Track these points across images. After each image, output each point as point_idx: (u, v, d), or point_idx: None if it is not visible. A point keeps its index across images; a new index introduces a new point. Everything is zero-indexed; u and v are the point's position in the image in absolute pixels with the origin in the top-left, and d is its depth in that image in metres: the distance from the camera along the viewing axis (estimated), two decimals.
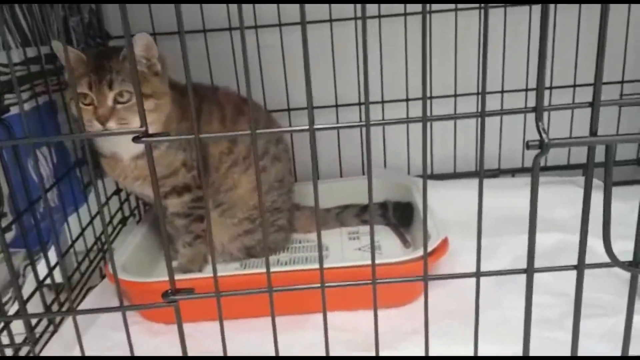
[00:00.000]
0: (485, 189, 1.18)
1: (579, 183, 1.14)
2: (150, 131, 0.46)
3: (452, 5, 1.12)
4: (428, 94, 1.18)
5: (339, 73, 1.17)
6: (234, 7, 1.11)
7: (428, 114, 0.46)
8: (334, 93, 1.18)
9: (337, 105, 1.18)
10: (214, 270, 0.51)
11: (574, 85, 1.16)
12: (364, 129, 0.44)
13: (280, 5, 1.10)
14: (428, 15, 1.12)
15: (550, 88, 1.15)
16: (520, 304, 0.79)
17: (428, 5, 1.11)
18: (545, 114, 0.44)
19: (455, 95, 1.17)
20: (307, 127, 0.46)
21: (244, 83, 0.44)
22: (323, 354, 0.73)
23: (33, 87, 0.85)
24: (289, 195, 1.04)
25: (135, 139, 0.46)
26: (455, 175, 1.22)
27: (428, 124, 1.16)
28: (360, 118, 1.18)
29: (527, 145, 0.44)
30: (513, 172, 1.21)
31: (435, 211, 0.98)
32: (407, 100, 1.18)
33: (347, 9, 1.12)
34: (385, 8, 1.12)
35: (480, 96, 0.44)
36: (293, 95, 1.18)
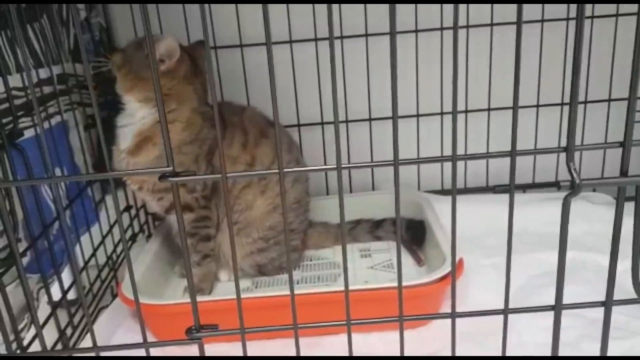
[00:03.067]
0: (498, 204, 1.19)
1: (590, 199, 1.14)
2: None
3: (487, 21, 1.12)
4: (445, 110, 1.18)
5: (349, 88, 1.16)
6: (244, 23, 1.11)
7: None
8: (344, 108, 1.17)
9: (347, 121, 1.18)
10: (239, 305, 0.50)
11: (609, 100, 1.16)
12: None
13: (291, 21, 1.11)
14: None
15: (585, 102, 1.15)
16: (536, 326, 0.79)
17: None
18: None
19: (467, 111, 1.17)
20: (334, 166, 0.46)
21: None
22: None
23: (46, 108, 0.84)
24: (305, 215, 1.04)
25: (162, 178, 0.46)
26: (466, 191, 1.22)
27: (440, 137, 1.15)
28: (371, 133, 1.19)
29: (559, 186, 0.44)
30: (524, 187, 1.20)
31: (447, 227, 0.98)
32: (417, 115, 1.18)
33: (359, 26, 1.12)
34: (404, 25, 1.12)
35: (511, 134, 0.44)
36: (302, 110, 1.17)
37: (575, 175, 0.43)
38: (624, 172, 0.44)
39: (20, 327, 0.72)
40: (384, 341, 0.80)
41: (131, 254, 1.08)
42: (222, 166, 0.45)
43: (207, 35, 0.42)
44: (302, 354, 0.76)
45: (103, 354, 0.50)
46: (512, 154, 0.44)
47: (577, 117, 0.43)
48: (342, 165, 0.45)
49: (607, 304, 0.49)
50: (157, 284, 0.96)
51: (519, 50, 0.42)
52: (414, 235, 1.04)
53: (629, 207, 0.53)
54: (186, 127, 0.89)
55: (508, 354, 0.58)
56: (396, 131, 0.44)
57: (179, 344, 0.50)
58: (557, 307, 0.49)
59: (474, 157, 0.46)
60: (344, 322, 0.49)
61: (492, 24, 1.11)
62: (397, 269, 0.48)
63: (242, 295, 0.50)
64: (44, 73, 0.85)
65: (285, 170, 0.46)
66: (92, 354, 0.49)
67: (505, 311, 0.49)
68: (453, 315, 0.49)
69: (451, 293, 0.49)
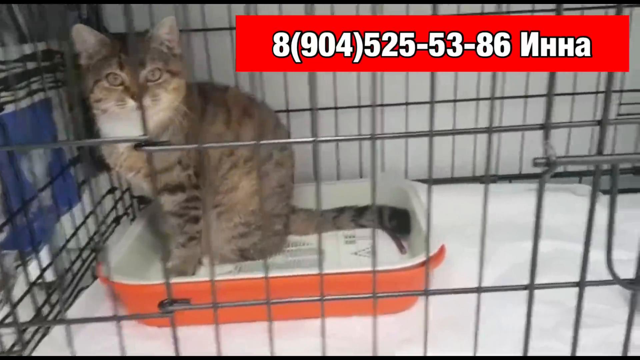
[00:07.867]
0: (483, 194, 1.18)
1: (574, 191, 1.14)
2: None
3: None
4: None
5: (339, 75, 1.16)
6: (235, 5, 1.10)
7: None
8: (333, 96, 1.17)
9: (336, 108, 1.17)
10: (212, 280, 0.50)
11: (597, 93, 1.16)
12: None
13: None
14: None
15: (573, 94, 1.16)
16: (515, 313, 0.79)
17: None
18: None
19: (455, 101, 1.17)
20: (311, 138, 0.45)
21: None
22: None
23: (29, 84, 0.83)
24: (288, 201, 1.04)
25: (137, 147, 0.45)
26: (452, 180, 1.22)
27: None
28: (360, 121, 1.18)
29: (534, 163, 0.43)
30: (510, 178, 1.20)
31: (431, 216, 0.97)
32: (407, 104, 1.18)
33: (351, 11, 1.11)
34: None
35: (489, 113, 0.44)
36: (293, 96, 1.17)
37: (551, 152, 0.43)
38: (600, 151, 0.44)
39: None
40: (363, 324, 0.80)
41: (114, 237, 1.08)
42: (199, 134, 0.45)
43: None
44: (285, 338, 0.76)
45: (74, 327, 0.50)
46: (490, 130, 0.44)
47: (553, 95, 0.42)
48: (318, 139, 0.45)
49: (581, 284, 0.49)
50: (138, 266, 0.95)
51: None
52: (398, 223, 1.04)
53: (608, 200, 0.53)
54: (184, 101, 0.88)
55: (486, 339, 0.59)
56: (374, 101, 0.43)
57: (150, 316, 0.50)
58: (531, 287, 0.49)
59: (450, 132, 0.45)
60: (318, 298, 0.49)
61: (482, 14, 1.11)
62: (372, 241, 0.48)
63: (223, 278, 0.50)
64: (28, 49, 0.84)
65: (261, 142, 0.46)
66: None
67: (479, 289, 0.49)
68: (427, 292, 0.49)
69: (425, 271, 0.49)
